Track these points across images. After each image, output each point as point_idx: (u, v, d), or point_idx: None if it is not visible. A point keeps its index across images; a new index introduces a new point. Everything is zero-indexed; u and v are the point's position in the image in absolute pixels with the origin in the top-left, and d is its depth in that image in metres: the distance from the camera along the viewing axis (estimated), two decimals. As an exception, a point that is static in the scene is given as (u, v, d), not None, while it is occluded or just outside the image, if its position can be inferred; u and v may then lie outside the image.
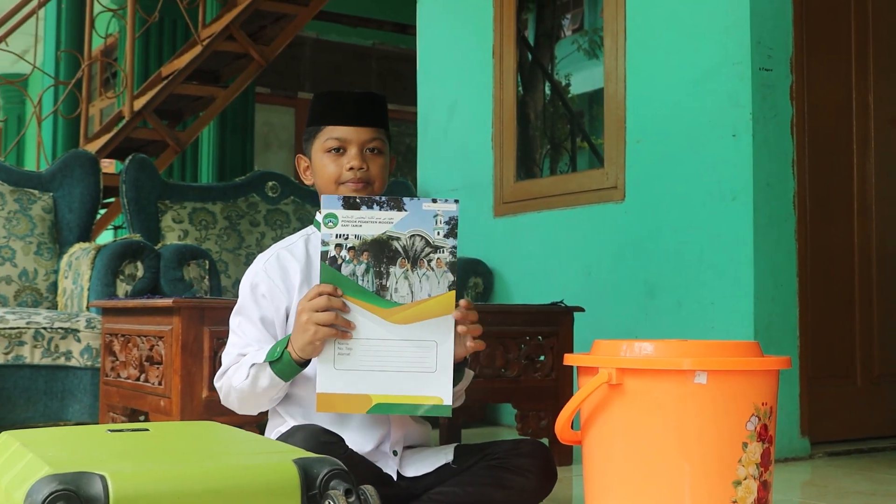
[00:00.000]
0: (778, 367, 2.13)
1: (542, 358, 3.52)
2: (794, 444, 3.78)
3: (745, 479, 2.06)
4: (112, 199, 5.95)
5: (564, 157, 4.71)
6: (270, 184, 4.89)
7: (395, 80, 9.79)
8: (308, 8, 6.15)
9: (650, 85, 4.09)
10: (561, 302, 3.57)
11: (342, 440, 2.17)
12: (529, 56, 4.86)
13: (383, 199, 1.99)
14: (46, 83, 7.41)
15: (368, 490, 1.43)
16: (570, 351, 3.49)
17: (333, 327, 2.00)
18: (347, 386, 2.04)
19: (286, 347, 2.10)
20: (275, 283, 2.29)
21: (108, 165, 7.07)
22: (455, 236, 1.99)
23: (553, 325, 3.51)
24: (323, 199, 2.02)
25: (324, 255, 2.01)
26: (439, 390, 2.04)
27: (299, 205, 4.89)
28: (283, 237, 4.73)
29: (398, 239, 1.99)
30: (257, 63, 6.04)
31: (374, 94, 2.37)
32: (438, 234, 1.97)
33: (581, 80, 4.63)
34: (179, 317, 2.81)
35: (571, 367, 3.50)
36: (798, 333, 3.81)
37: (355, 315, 2.02)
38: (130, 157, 4.53)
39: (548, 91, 4.77)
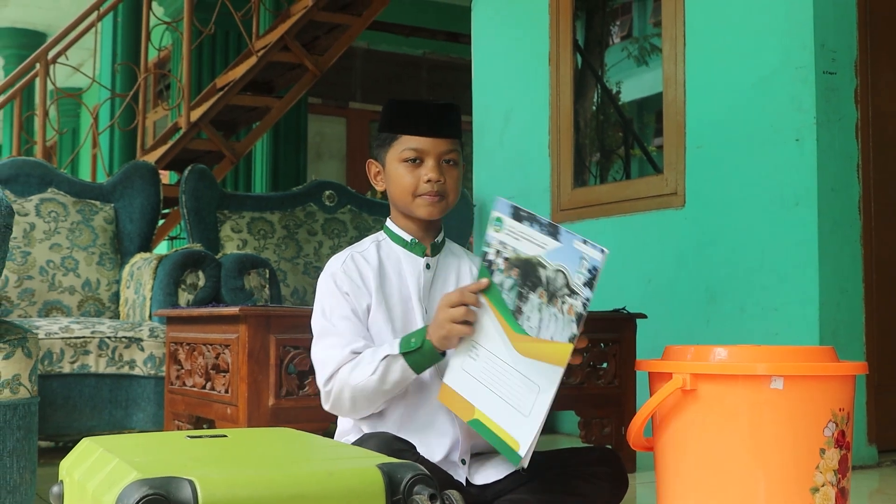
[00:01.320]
0: (855, 373, 2.10)
1: (604, 365, 3.50)
2: (862, 452, 3.72)
3: (822, 485, 2.03)
4: (168, 210, 6.00)
5: (617, 163, 4.70)
6: (328, 193, 4.91)
7: (446, 89, 9.81)
8: (361, 18, 6.17)
9: (710, 89, 4.06)
10: (623, 309, 3.55)
11: (414, 448, 2.17)
12: (580, 63, 4.84)
13: (545, 221, 1.95)
14: (103, 96, 7.50)
15: (454, 495, 1.43)
16: (634, 358, 3.46)
17: (468, 324, 2.04)
18: (464, 389, 2.07)
19: (425, 337, 2.11)
20: (354, 281, 2.29)
21: (164, 176, 7.13)
22: (593, 288, 1.90)
23: (615, 331, 3.49)
24: (497, 201, 2.03)
25: (484, 254, 2.05)
26: (522, 437, 1.98)
27: (356, 213, 4.91)
28: (342, 246, 4.78)
29: (545, 267, 1.94)
30: (311, 73, 6.07)
31: (452, 104, 2.36)
32: (579, 278, 1.90)
33: (631, 87, 4.61)
34: (246, 325, 2.82)
35: (634, 374, 3.49)
36: (865, 340, 3.76)
37: (490, 324, 2.04)
38: (190, 167, 4.57)
39: (598, 98, 4.75)
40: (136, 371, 3.74)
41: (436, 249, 2.40)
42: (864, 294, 3.76)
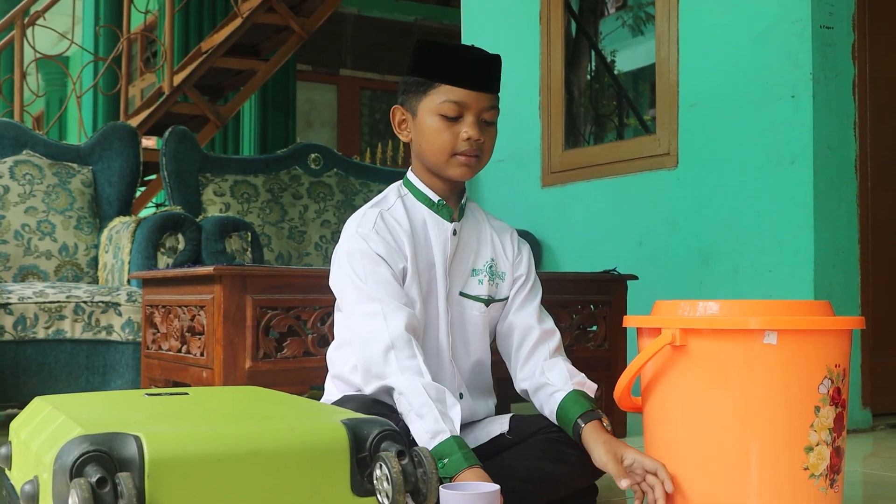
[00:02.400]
0: (852, 327, 2.01)
1: (594, 328, 3.40)
2: (856, 416, 3.64)
3: (817, 444, 1.94)
4: (153, 177, 5.89)
5: (612, 132, 4.59)
6: (313, 156, 4.80)
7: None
8: (349, -21, 6.05)
9: (704, 46, 3.94)
10: (614, 270, 3.45)
11: (395, 412, 2.06)
12: (574, 30, 4.72)
13: None
14: (87, 62, 7.37)
15: (422, 451, 1.33)
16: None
17: None
18: None
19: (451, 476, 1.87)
20: (389, 244, 2.09)
21: (149, 142, 7.01)
22: None
23: (606, 293, 3.39)
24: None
25: None
26: None
27: (342, 177, 4.79)
28: (327, 210, 4.66)
29: None
30: (298, 35, 5.94)
31: (496, 55, 2.17)
32: None
33: (626, 57, 4.50)
34: (221, 285, 2.72)
35: (625, 337, 3.40)
36: (860, 302, 3.67)
37: None
38: (170, 129, 4.45)
39: (593, 66, 4.64)
40: (114, 336, 3.64)
41: (461, 212, 2.23)
42: (859, 254, 3.66)
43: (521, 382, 2.26)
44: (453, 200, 2.21)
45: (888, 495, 2.51)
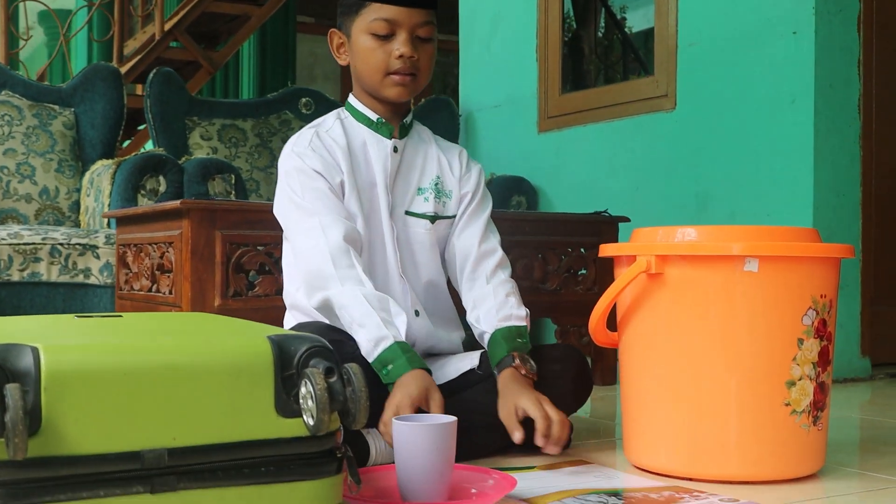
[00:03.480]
0: (839, 255, 1.89)
1: (584, 271, 3.29)
2: (855, 365, 3.53)
3: (799, 379, 1.82)
4: (144, 126, 5.77)
5: (610, 73, 4.45)
6: (304, 100, 4.68)
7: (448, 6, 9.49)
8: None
9: (702, -17, 3.80)
10: (605, 211, 3.33)
11: (352, 339, 1.97)
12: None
13: None
14: (79, 6, 7.23)
15: (353, 368, 1.22)
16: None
17: None
18: None
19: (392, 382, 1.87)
20: (325, 159, 2.07)
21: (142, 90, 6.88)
22: None
23: (596, 235, 3.27)
24: None
25: None
26: None
27: (334, 122, 4.67)
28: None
29: None
30: (293, -20, 5.80)
31: None
32: None
33: (636, 18, 4.35)
34: (189, 220, 2.61)
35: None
36: (861, 248, 3.54)
37: None
38: (155, 70, 4.33)
39: (602, 21, 4.50)
40: (92, 280, 3.54)
41: (403, 131, 2.19)
42: (861, 199, 3.52)
43: (468, 315, 2.20)
44: (395, 120, 2.18)
45: (883, 439, 2.41)
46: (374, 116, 2.15)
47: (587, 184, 4.30)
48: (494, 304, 2.12)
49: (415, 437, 1.57)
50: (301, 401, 1.21)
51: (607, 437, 2.38)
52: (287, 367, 1.23)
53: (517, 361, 2.01)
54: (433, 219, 2.18)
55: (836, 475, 1.94)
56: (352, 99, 2.19)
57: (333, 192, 2.04)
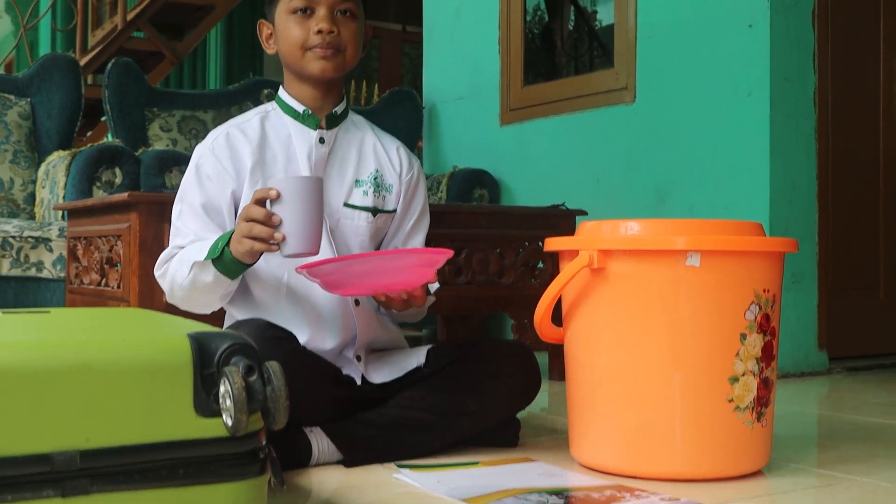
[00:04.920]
0: (782, 250, 1.88)
1: (541, 265, 3.27)
2: (812, 359, 3.53)
3: (742, 374, 1.81)
4: (105, 118, 5.72)
5: (571, 66, 4.44)
6: (266, 91, 4.64)
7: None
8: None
9: (662, -25, 3.79)
10: (562, 204, 3.32)
11: (293, 336, 1.95)
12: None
13: None
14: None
15: (272, 367, 1.20)
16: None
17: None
18: None
19: (227, 245, 1.86)
20: (222, 164, 2.05)
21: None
22: None
23: (553, 228, 3.25)
24: None
25: None
26: None
27: (295, 114, 4.63)
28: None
29: None
30: (256, -29, 5.76)
31: None
32: None
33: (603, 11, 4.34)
34: (137, 212, 2.58)
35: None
36: (818, 240, 3.54)
37: None
38: (113, 60, 4.28)
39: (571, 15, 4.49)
40: (45, 273, 3.49)
41: (333, 121, 2.15)
42: (817, 190, 3.53)
43: None
44: (324, 110, 2.13)
45: (835, 434, 2.40)
46: (300, 108, 2.11)
47: (549, 177, 4.29)
48: None
49: (296, 186, 1.75)
50: (220, 400, 1.18)
51: (560, 434, 2.36)
52: (207, 365, 1.20)
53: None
54: (374, 212, 2.15)
55: (782, 472, 1.94)
56: (281, 92, 2.16)
57: (211, 206, 2.03)
